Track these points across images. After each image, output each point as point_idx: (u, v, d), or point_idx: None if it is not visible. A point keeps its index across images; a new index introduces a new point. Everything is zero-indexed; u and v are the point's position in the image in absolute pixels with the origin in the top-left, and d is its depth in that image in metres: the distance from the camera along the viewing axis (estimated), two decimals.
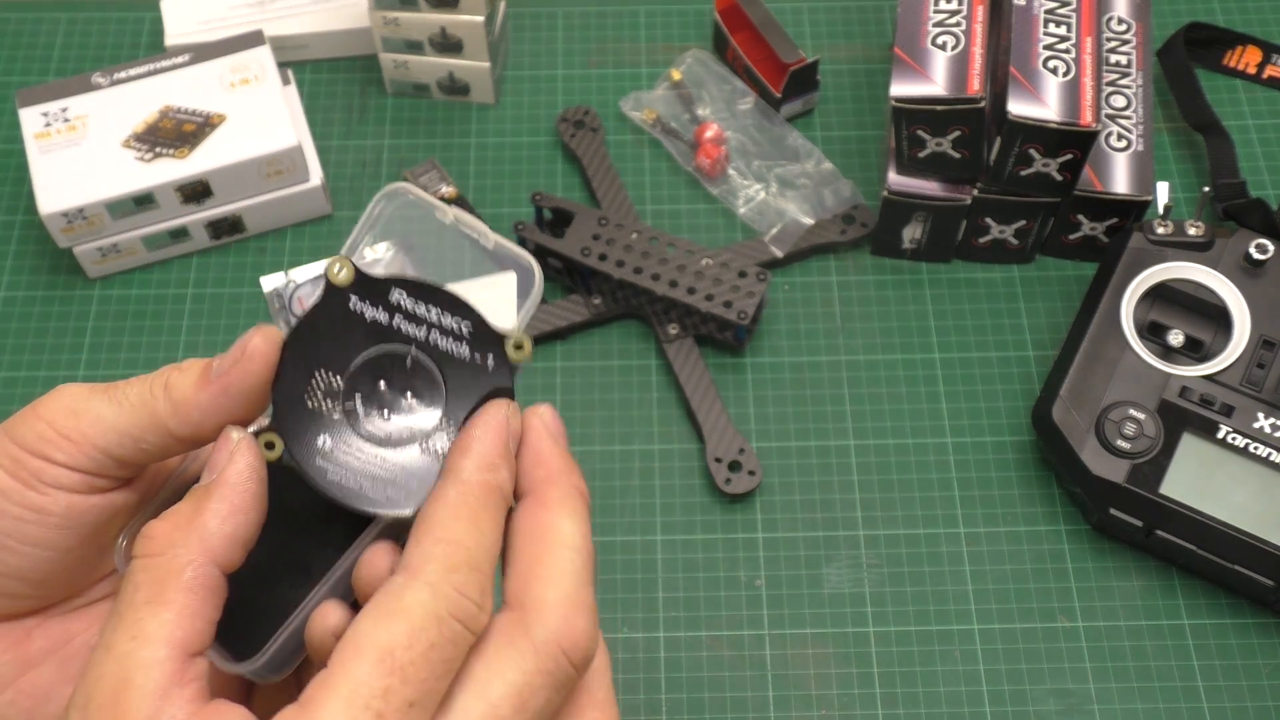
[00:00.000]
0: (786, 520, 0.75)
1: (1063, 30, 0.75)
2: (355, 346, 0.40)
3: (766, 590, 0.73)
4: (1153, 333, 0.74)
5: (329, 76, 0.92)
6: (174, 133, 0.81)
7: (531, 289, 0.42)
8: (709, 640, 0.71)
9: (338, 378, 0.39)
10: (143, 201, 0.80)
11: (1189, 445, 0.70)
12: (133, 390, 0.41)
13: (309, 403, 0.39)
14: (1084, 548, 0.74)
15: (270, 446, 0.39)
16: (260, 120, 0.81)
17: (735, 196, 0.85)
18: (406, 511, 0.38)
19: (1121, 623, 0.72)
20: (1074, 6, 0.76)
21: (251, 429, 0.40)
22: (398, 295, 0.40)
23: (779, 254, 0.82)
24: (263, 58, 0.84)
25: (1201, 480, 0.69)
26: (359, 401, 0.39)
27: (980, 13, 0.76)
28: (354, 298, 0.40)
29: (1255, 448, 0.70)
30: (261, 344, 0.40)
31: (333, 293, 0.40)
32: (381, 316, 0.40)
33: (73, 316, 0.82)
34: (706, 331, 0.79)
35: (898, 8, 0.78)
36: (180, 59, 0.84)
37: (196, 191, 0.81)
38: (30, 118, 0.81)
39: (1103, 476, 0.70)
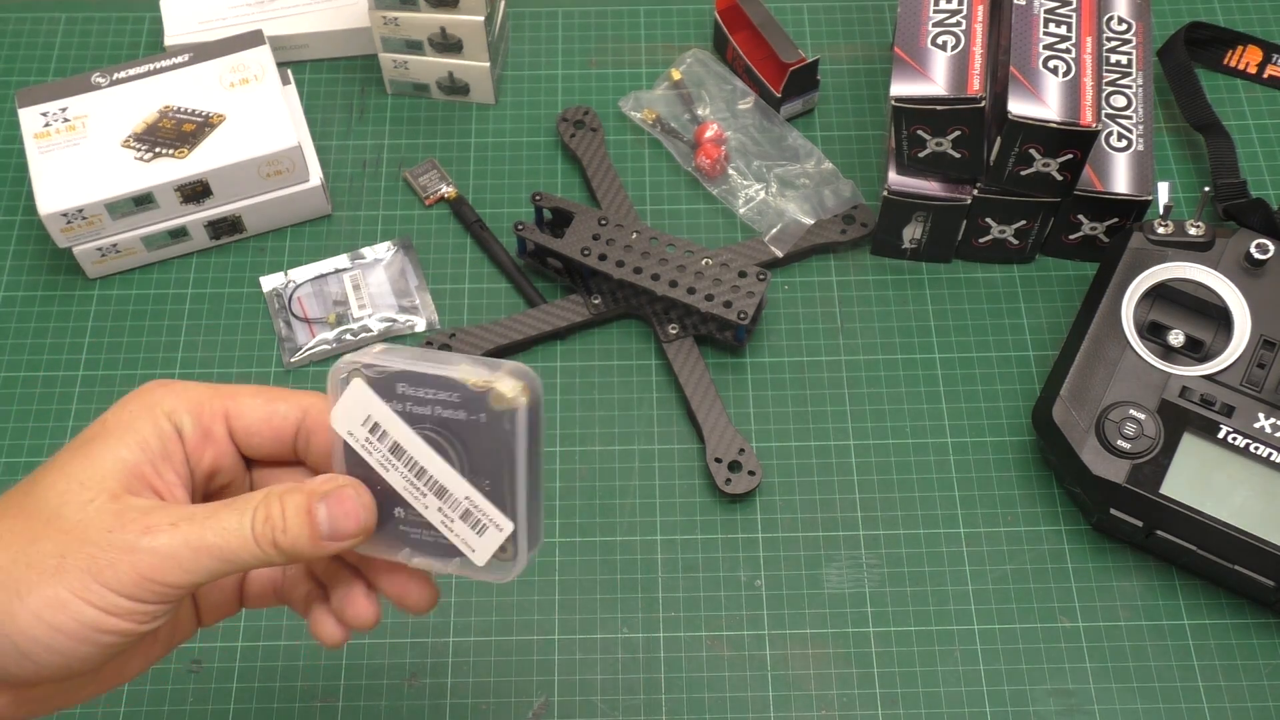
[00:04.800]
0: (786, 520, 0.75)
1: (1063, 30, 0.75)
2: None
3: (766, 590, 0.73)
4: (1153, 333, 0.74)
5: (329, 76, 0.92)
6: (173, 132, 0.81)
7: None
8: (709, 640, 0.71)
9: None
10: (142, 201, 0.80)
11: (1189, 445, 0.70)
12: (243, 521, 0.44)
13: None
14: (1084, 548, 0.74)
15: None
16: (260, 120, 0.81)
17: (735, 196, 0.85)
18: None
19: (1121, 623, 0.72)
20: (1074, 6, 0.76)
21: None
22: (402, 387, 0.44)
23: (779, 254, 0.82)
24: (262, 58, 0.84)
25: (1202, 480, 0.69)
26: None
27: (980, 12, 0.76)
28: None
29: (1256, 448, 0.70)
30: (368, 520, 0.46)
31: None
32: (396, 407, 0.45)
33: (72, 316, 0.82)
34: (706, 331, 0.79)
35: (898, 8, 0.78)
36: (180, 59, 0.84)
37: (196, 191, 0.81)
38: (30, 118, 0.81)
39: (1103, 476, 0.70)
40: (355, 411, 0.45)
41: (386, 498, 0.46)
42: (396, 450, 0.45)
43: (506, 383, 0.43)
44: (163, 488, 0.45)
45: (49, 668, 0.42)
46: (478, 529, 0.45)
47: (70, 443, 0.45)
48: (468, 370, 0.43)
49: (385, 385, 0.44)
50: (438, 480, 0.45)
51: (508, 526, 0.44)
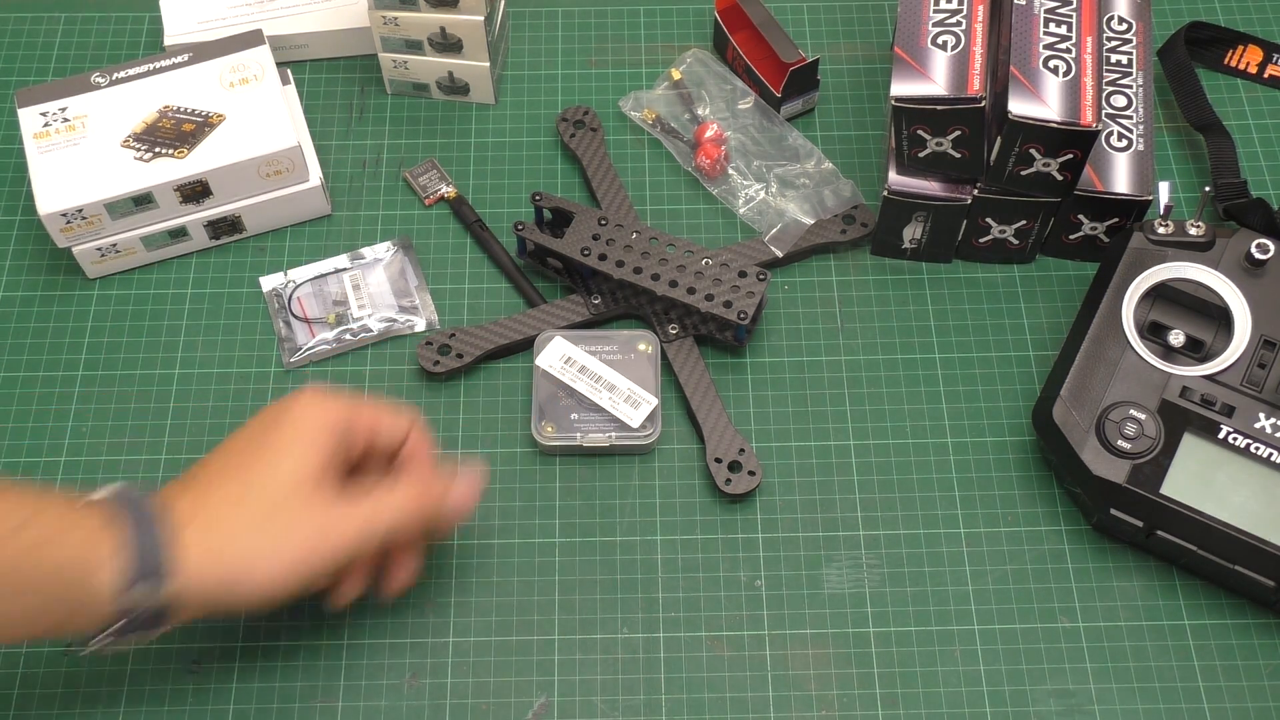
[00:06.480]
0: (786, 520, 0.75)
1: (1063, 30, 0.75)
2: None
3: (766, 590, 0.73)
4: (1153, 333, 0.74)
5: (329, 76, 0.92)
6: (173, 132, 0.81)
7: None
8: (709, 640, 0.71)
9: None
10: (142, 201, 0.80)
11: (1190, 445, 0.70)
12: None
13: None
14: (1084, 548, 0.74)
15: None
16: (259, 120, 0.81)
17: (735, 196, 0.85)
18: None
19: (1121, 623, 0.72)
20: (1074, 6, 0.76)
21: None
22: (581, 343, 0.78)
23: (779, 254, 0.82)
24: (262, 57, 0.84)
25: (1202, 481, 0.69)
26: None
27: (981, 12, 0.76)
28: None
29: (1256, 448, 0.70)
30: (476, 498, 0.69)
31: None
32: (581, 349, 0.78)
33: (72, 316, 0.82)
34: (706, 331, 0.79)
35: (898, 8, 0.78)
36: (180, 59, 0.84)
37: (196, 191, 0.81)
38: (29, 118, 0.81)
39: (1103, 477, 0.70)
40: (555, 354, 0.77)
41: (566, 410, 0.76)
42: (584, 370, 0.76)
43: (643, 340, 0.78)
44: (336, 477, 0.64)
45: (267, 603, 0.61)
46: (635, 405, 0.75)
47: (255, 433, 0.64)
48: (622, 336, 0.78)
49: (573, 340, 0.78)
50: (611, 381, 0.76)
51: (654, 401, 0.76)
